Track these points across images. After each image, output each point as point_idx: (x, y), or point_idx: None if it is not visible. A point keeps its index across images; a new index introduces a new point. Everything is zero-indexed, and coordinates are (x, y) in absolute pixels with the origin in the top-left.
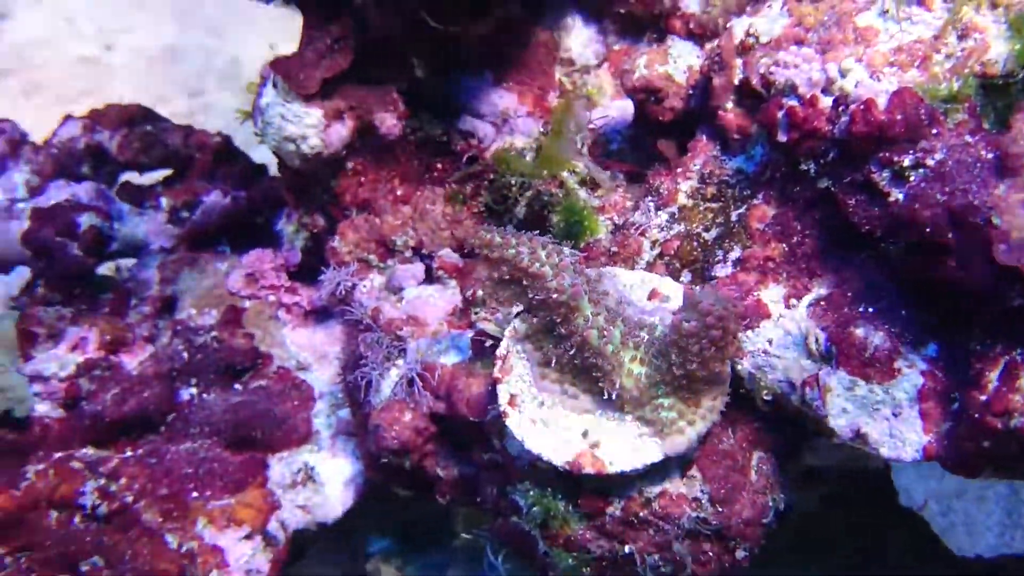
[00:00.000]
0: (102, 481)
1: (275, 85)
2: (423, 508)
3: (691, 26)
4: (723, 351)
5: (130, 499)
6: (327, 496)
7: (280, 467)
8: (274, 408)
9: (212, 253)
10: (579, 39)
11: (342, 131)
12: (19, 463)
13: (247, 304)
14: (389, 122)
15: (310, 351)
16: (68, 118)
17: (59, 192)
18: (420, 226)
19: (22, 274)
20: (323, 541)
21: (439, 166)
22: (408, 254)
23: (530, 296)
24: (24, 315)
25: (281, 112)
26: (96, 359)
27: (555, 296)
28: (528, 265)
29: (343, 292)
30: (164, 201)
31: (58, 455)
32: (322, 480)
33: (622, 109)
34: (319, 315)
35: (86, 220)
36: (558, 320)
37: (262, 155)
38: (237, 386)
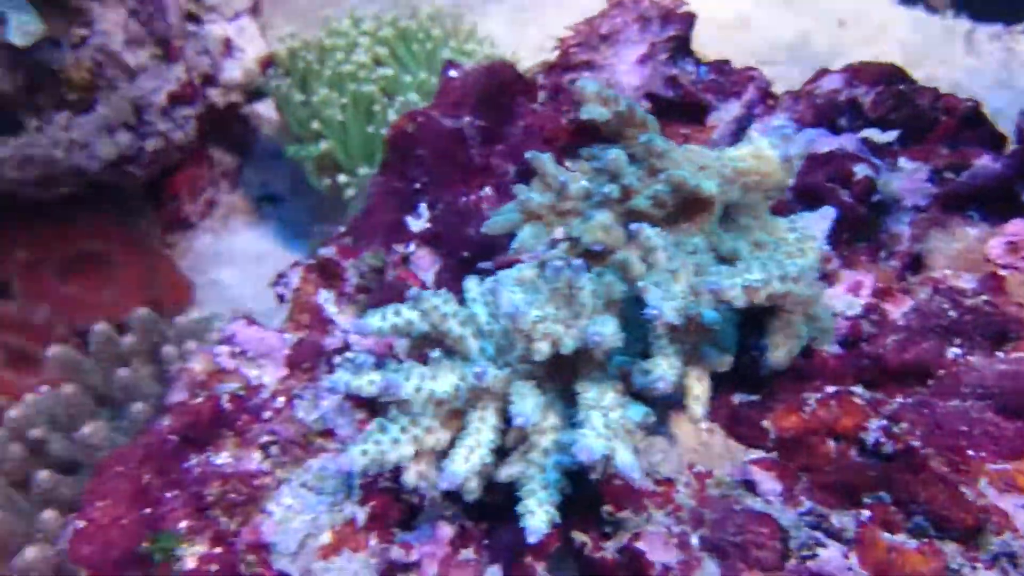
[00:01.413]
0: (884, 421)
1: None
2: None
3: None
4: None
5: (916, 444)
6: None
7: None
8: None
9: (961, 216)
10: None
11: None
12: (799, 389)
13: (1004, 273)
14: None
15: None
16: (825, 72)
17: (824, 141)
18: None
19: None
20: None
21: None
22: None
23: None
24: None
25: None
26: (872, 304)
27: None
28: None
29: None
30: (902, 160)
31: (832, 388)
32: None
33: None
34: None
35: (860, 170)
36: None
37: None
38: (999, 353)
